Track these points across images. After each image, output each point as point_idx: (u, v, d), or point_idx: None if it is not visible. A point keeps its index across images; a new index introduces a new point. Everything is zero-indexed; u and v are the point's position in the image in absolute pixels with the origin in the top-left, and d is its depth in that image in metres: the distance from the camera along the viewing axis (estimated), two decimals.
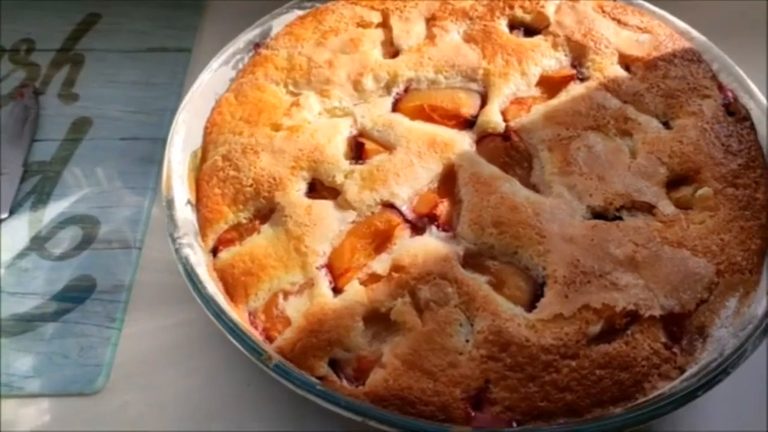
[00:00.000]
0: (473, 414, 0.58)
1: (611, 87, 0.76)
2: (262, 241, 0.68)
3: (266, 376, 0.72)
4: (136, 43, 1.04)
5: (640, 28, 0.81)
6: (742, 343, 0.58)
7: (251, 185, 0.70)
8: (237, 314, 0.63)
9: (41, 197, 0.86)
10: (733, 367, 0.57)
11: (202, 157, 0.75)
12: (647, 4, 0.85)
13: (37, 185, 0.88)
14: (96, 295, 0.78)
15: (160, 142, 0.91)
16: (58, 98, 0.97)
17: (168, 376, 0.73)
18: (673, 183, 0.70)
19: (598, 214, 0.68)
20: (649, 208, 0.68)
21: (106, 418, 0.70)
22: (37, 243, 0.82)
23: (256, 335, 0.62)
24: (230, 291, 0.66)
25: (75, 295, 0.78)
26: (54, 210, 0.85)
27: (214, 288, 0.63)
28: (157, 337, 0.76)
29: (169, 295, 0.78)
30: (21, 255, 0.81)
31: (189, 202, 0.70)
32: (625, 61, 0.79)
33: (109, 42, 1.04)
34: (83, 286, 0.79)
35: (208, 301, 0.61)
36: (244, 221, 0.70)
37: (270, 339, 0.63)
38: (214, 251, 0.69)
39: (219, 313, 0.60)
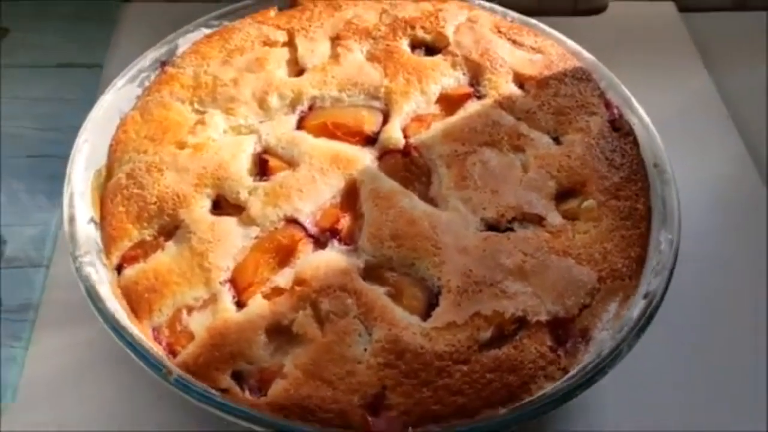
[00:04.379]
0: (370, 420, 0.61)
1: (506, 104, 0.80)
2: (166, 257, 0.69)
3: (174, 394, 0.73)
4: (45, 58, 1.03)
5: (533, 48, 0.86)
6: (617, 344, 0.62)
7: (155, 203, 0.71)
8: (140, 330, 0.64)
9: None
10: (610, 367, 0.61)
11: (106, 175, 0.75)
12: (542, 25, 0.90)
13: None
14: (1, 315, 0.78)
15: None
16: None
17: (77, 394, 0.73)
18: (561, 195, 0.74)
19: (491, 226, 0.71)
20: (538, 220, 0.72)
21: None
22: None
23: (159, 350, 0.63)
24: (134, 308, 0.66)
25: None
26: None
27: (116, 305, 0.64)
28: (65, 355, 0.76)
29: (79, 313, 0.77)
30: None
31: (92, 219, 0.71)
32: (519, 80, 0.83)
33: (16, 57, 1.03)
34: None
35: (109, 318, 0.62)
36: (149, 238, 0.71)
37: (174, 353, 0.64)
38: (119, 269, 0.69)
39: (119, 330, 0.61)
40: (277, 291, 0.67)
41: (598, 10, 1.20)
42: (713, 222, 0.90)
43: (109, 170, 0.76)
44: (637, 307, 0.66)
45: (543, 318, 0.65)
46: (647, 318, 0.64)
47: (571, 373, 0.63)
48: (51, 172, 0.89)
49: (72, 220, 0.68)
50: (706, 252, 0.84)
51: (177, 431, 0.71)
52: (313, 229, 0.71)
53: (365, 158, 0.75)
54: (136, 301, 0.67)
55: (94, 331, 0.75)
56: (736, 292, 0.83)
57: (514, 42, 0.86)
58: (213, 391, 0.60)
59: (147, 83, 0.82)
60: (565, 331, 0.66)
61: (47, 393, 0.73)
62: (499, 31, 0.87)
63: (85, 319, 0.76)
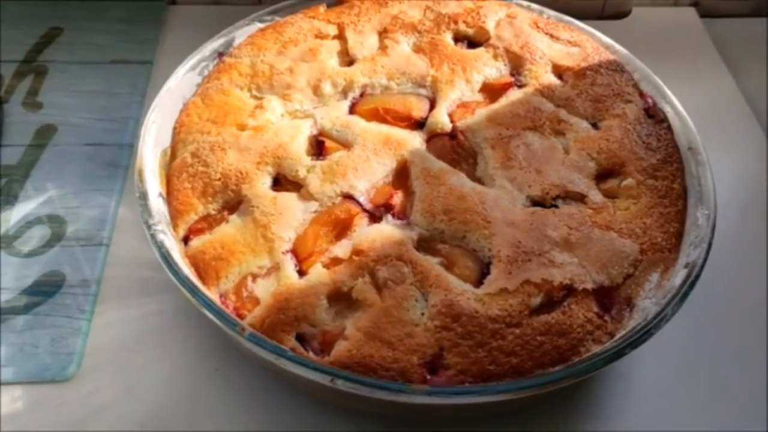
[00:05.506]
0: (429, 378, 0.64)
1: (546, 93, 0.84)
2: (231, 229, 0.73)
3: (233, 362, 0.77)
4: (98, 55, 1.08)
5: (570, 42, 0.91)
6: (662, 309, 0.66)
7: (219, 179, 0.75)
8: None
9: (8, 199, 0.89)
10: (656, 329, 0.65)
11: (171, 155, 0.80)
12: (576, 21, 0.95)
13: (3, 188, 0.90)
14: (65, 289, 0.82)
15: (125, 147, 0.96)
16: (22, 106, 1.00)
17: (138, 363, 0.77)
18: (601, 176, 0.78)
19: (536, 203, 0.75)
20: (580, 197, 0.76)
21: (78, 402, 0.74)
22: (6, 241, 0.85)
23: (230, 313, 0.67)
24: (202, 275, 0.70)
25: (45, 290, 0.81)
26: (21, 211, 0.88)
27: (187, 270, 0.68)
28: (126, 327, 0.79)
29: (138, 288, 0.82)
30: None
31: (160, 195, 0.75)
32: (558, 71, 0.87)
33: (72, 54, 1.08)
34: (52, 281, 0.82)
35: (184, 280, 0.65)
36: (213, 212, 0.75)
37: (241, 317, 0.67)
38: (185, 240, 0.73)
39: (194, 291, 0.65)
40: (336, 260, 0.70)
41: (623, 15, 1.24)
42: (743, 212, 0.93)
43: (174, 151, 0.80)
44: (678, 276, 0.69)
45: (589, 286, 0.69)
46: (689, 285, 0.67)
47: (618, 336, 0.67)
48: (107, 159, 0.95)
49: (144, 194, 0.72)
50: (737, 238, 0.88)
51: (231, 402, 0.74)
52: (368, 205, 0.75)
53: (414, 141, 0.80)
54: (204, 269, 0.70)
55: (153, 305, 0.82)
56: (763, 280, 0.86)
57: (552, 36, 0.91)
58: (284, 347, 0.63)
59: (206, 72, 0.87)
60: (609, 298, 0.70)
61: (110, 361, 0.77)
62: (537, 27, 0.92)
63: (145, 294, 0.82)
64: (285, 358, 0.61)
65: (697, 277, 0.68)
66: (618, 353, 0.63)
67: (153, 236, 0.69)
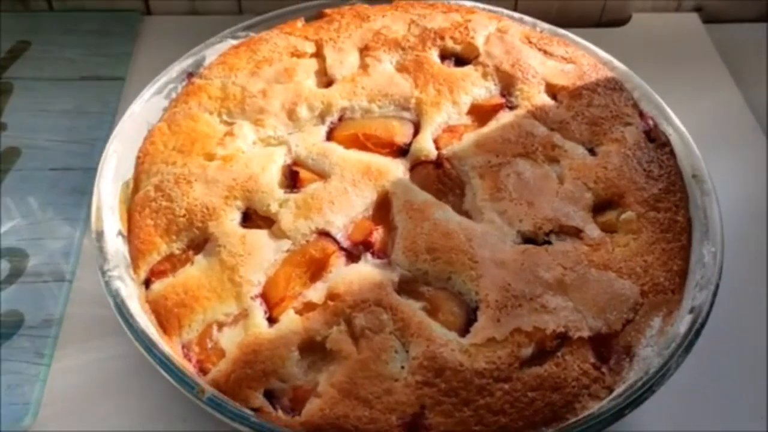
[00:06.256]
0: None
1: (539, 115, 0.78)
2: (196, 271, 0.67)
3: (202, 411, 0.71)
4: (67, 71, 1.03)
5: (565, 59, 0.85)
6: (665, 362, 0.60)
7: (184, 215, 0.70)
8: (170, 347, 0.62)
9: None
10: (658, 385, 0.59)
11: (134, 187, 0.74)
12: (572, 35, 0.89)
13: None
14: (24, 331, 0.76)
15: (92, 172, 0.88)
16: None
17: (99, 413, 0.71)
18: (598, 207, 0.73)
19: (528, 239, 0.70)
20: (576, 232, 0.70)
21: None
22: None
23: (190, 368, 0.61)
24: (163, 323, 0.65)
25: (1, 332, 0.76)
26: None
27: (146, 321, 0.63)
28: (88, 372, 0.74)
29: (102, 328, 0.76)
30: None
31: (120, 233, 0.69)
32: (552, 90, 0.81)
33: (40, 70, 1.03)
34: (10, 322, 0.76)
35: (139, 335, 0.60)
36: (177, 252, 0.69)
37: (204, 371, 0.62)
38: (147, 283, 0.68)
39: (150, 347, 0.59)
40: (310, 306, 0.65)
41: (622, 21, 1.18)
42: (752, 234, 0.87)
43: (137, 182, 0.74)
44: (683, 322, 0.64)
45: (585, 334, 0.63)
46: (695, 333, 0.62)
47: (617, 391, 0.61)
48: (74, 185, 0.89)
49: (100, 233, 0.67)
50: (747, 264, 0.82)
51: None
52: (345, 243, 0.69)
53: (397, 170, 0.74)
54: (165, 316, 0.65)
55: (117, 347, 0.75)
56: None
57: (545, 52, 0.85)
58: (247, 411, 0.58)
59: (174, 95, 0.81)
60: (607, 347, 0.64)
61: (69, 411, 0.71)
62: (530, 42, 0.86)
63: (108, 335, 0.76)
64: (248, 426, 0.56)
65: (703, 323, 0.63)
66: (616, 414, 0.58)
67: (107, 284, 0.63)
